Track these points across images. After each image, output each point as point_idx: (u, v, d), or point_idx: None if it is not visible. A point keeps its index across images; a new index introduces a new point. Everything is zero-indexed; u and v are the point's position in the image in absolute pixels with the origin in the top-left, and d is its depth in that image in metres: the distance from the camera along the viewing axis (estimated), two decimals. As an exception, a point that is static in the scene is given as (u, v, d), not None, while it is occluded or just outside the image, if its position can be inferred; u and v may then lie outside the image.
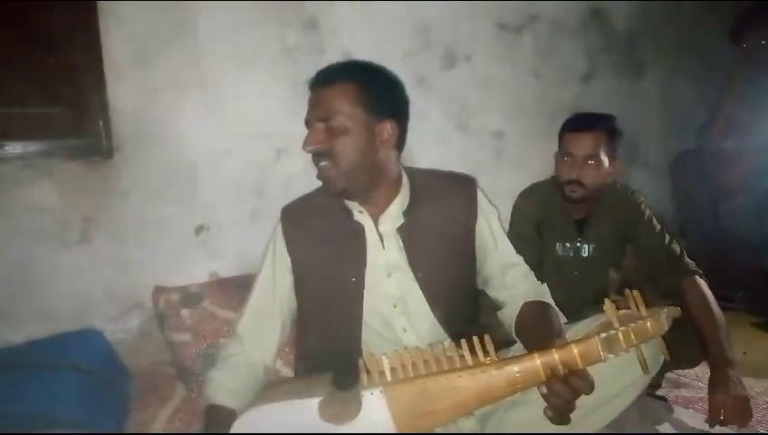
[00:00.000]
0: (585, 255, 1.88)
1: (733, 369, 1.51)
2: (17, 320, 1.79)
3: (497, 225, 1.41)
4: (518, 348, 1.26)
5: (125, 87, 1.89)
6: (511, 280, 1.38)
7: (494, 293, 1.40)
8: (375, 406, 1.02)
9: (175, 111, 1.98)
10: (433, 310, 1.31)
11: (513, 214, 1.97)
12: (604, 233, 1.88)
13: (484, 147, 2.58)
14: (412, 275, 1.31)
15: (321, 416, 1.06)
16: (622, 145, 1.86)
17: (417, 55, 2.36)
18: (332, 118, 1.22)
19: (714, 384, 1.50)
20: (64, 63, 1.81)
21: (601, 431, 1.20)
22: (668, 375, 1.88)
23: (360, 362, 1.05)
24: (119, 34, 1.88)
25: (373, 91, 1.24)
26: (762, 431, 1.65)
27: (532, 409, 1.09)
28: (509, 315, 1.35)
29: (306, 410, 1.07)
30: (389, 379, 1.03)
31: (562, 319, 1.30)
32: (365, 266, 1.30)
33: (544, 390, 1.00)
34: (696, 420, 1.66)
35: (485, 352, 1.03)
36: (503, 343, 1.31)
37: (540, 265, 1.82)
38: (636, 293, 1.05)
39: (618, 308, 1.03)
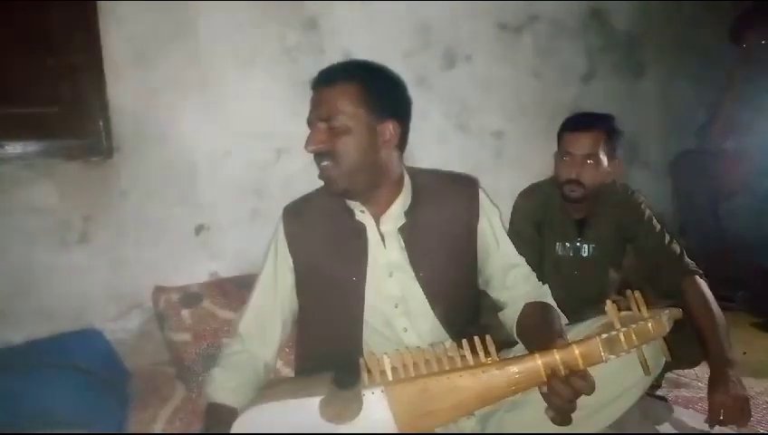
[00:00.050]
0: (585, 255, 1.88)
1: (732, 369, 1.51)
2: (17, 320, 1.79)
3: (499, 225, 1.41)
4: (519, 349, 1.26)
5: (125, 87, 1.89)
6: (512, 281, 1.38)
7: (496, 293, 1.40)
8: (376, 405, 1.02)
9: (175, 111, 1.98)
10: (434, 310, 1.31)
11: (513, 213, 1.97)
12: (604, 233, 1.88)
13: (484, 147, 2.58)
14: (413, 274, 1.31)
15: (322, 415, 1.06)
16: (622, 145, 1.86)
17: (417, 55, 2.36)
18: (334, 118, 1.22)
19: (713, 384, 1.50)
20: (64, 63, 1.81)
21: (601, 431, 1.19)
22: (668, 375, 1.88)
23: (361, 361, 1.05)
24: (119, 34, 1.88)
25: (375, 91, 1.24)
26: (762, 431, 1.65)
27: (533, 409, 1.09)
28: (510, 316, 1.35)
29: (307, 409, 1.07)
30: (390, 378, 1.02)
31: (563, 320, 1.30)
32: (366, 266, 1.30)
33: (545, 389, 1.00)
34: (696, 420, 1.66)
35: (487, 353, 1.03)
36: (504, 344, 1.30)
37: (540, 264, 1.82)
38: (637, 294, 1.05)
39: (619, 309, 1.03)
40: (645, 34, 2.91)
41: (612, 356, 0.97)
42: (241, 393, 1.24)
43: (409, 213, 1.32)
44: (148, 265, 1.95)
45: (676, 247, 1.79)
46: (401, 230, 1.31)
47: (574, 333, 1.16)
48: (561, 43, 2.69)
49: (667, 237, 1.81)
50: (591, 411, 1.11)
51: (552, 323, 1.23)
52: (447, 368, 1.02)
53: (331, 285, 1.32)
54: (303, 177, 1.82)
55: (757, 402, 1.77)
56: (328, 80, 1.26)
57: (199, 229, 2.05)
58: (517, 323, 1.32)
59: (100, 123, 1.86)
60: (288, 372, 1.69)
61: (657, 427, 1.66)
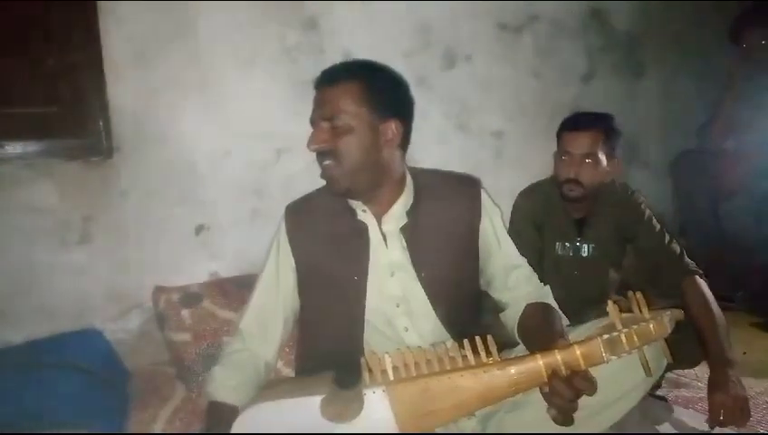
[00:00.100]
0: (585, 254, 1.89)
1: (732, 369, 1.51)
2: (17, 320, 1.79)
3: (501, 226, 1.42)
4: (520, 349, 1.26)
5: (125, 87, 1.89)
6: (514, 281, 1.38)
7: (497, 294, 1.40)
8: (377, 405, 1.02)
9: (175, 111, 1.97)
10: (435, 310, 1.31)
11: (512, 213, 1.97)
12: (604, 233, 1.88)
13: (484, 147, 2.58)
14: (415, 274, 1.31)
15: (323, 414, 1.06)
16: (622, 145, 1.86)
17: (417, 55, 2.36)
18: (337, 117, 1.22)
19: (713, 384, 1.50)
20: (64, 63, 1.81)
21: (601, 432, 1.20)
22: (668, 375, 1.88)
23: (363, 360, 1.05)
24: (119, 34, 1.87)
25: (378, 91, 1.24)
26: (762, 431, 1.65)
27: (534, 410, 1.09)
28: (511, 317, 1.35)
29: (308, 408, 1.07)
30: (392, 378, 1.02)
31: (564, 321, 1.30)
32: (368, 266, 1.30)
33: (546, 390, 1.00)
34: (696, 420, 1.67)
35: (488, 353, 1.03)
36: (505, 345, 1.30)
37: (540, 264, 1.82)
38: (639, 295, 1.04)
39: (620, 310, 1.03)
40: (645, 34, 2.91)
41: (614, 357, 0.97)
42: (242, 392, 1.24)
43: (411, 213, 1.32)
44: (149, 265, 1.95)
45: (676, 247, 1.79)
46: (403, 230, 1.31)
47: (576, 334, 1.16)
48: (561, 43, 2.69)
49: (667, 237, 1.81)
50: (593, 412, 1.11)
51: (554, 324, 1.23)
52: (449, 368, 1.02)
53: (333, 285, 1.32)
54: (304, 177, 1.82)
55: (757, 402, 1.77)
56: (331, 79, 1.26)
57: (199, 229, 2.05)
58: (518, 323, 1.32)
59: (100, 123, 1.86)
60: (288, 371, 1.69)
61: (657, 427, 1.66)
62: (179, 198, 2.00)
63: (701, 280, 1.72)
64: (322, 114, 1.24)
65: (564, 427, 1.01)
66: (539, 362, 0.98)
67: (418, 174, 1.39)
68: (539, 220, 1.90)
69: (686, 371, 1.92)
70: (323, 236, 1.34)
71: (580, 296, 1.73)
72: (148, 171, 1.95)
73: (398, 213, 1.32)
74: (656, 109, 2.99)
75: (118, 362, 1.82)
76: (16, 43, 1.75)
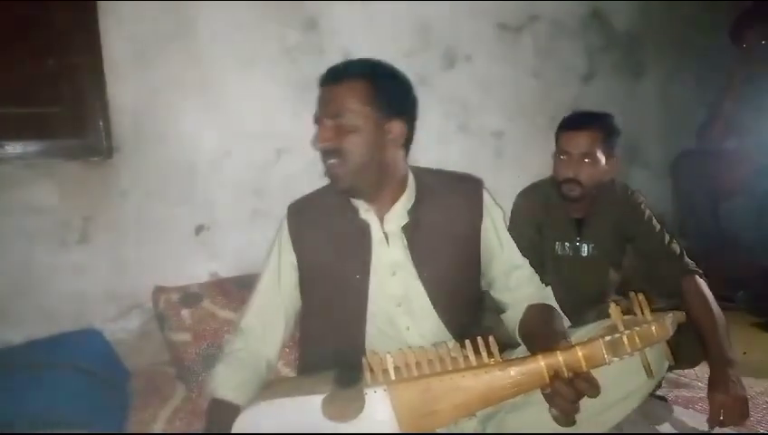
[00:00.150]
0: (584, 254, 1.88)
1: (732, 369, 1.52)
2: (17, 320, 1.78)
3: (503, 226, 1.42)
4: (522, 350, 1.26)
5: (125, 87, 1.89)
6: (515, 282, 1.38)
7: (499, 295, 1.40)
8: (378, 404, 1.02)
9: (175, 111, 1.97)
10: (436, 309, 1.31)
11: (512, 213, 1.96)
12: (603, 232, 1.87)
13: (484, 147, 2.57)
14: (416, 274, 1.31)
15: (324, 413, 1.06)
16: (622, 145, 1.86)
17: (417, 55, 2.36)
18: (342, 115, 1.22)
19: (713, 384, 1.51)
20: (64, 63, 1.80)
21: (601, 431, 1.20)
22: (668, 375, 1.88)
23: (364, 360, 1.05)
24: (119, 34, 1.87)
25: (383, 90, 1.25)
26: (762, 431, 1.65)
27: (535, 411, 1.09)
28: (513, 318, 1.35)
29: (309, 407, 1.07)
30: (393, 377, 1.02)
31: (566, 323, 1.30)
32: (370, 265, 1.30)
33: (548, 391, 0.99)
34: (696, 420, 1.66)
35: (489, 353, 1.03)
36: (506, 345, 1.30)
37: (540, 264, 1.82)
38: (641, 296, 1.04)
39: (621, 311, 1.03)
40: (645, 34, 2.91)
41: (615, 358, 0.97)
42: (243, 390, 1.23)
43: (413, 212, 1.32)
44: (148, 265, 1.95)
45: (676, 247, 1.79)
46: (405, 229, 1.31)
47: (578, 336, 1.16)
48: (561, 43, 2.69)
49: (667, 237, 1.81)
50: (594, 413, 1.11)
51: (555, 325, 1.23)
52: (450, 368, 1.02)
53: (335, 284, 1.32)
54: (304, 177, 1.82)
55: (757, 402, 1.77)
56: (336, 77, 1.26)
57: (199, 229, 2.05)
58: (520, 324, 1.32)
59: (100, 123, 1.86)
60: (288, 371, 1.69)
61: (657, 427, 1.65)
62: (179, 198, 2.00)
63: (701, 280, 1.72)
64: (327, 112, 1.24)
65: (566, 428, 1.01)
66: (540, 363, 0.98)
67: (421, 173, 1.39)
68: (539, 220, 1.90)
69: (686, 371, 1.92)
70: (325, 235, 1.34)
71: (580, 296, 1.74)
72: (148, 171, 1.95)
73: (400, 212, 1.32)
74: (656, 109, 2.98)
75: (118, 362, 1.82)
76: (16, 43, 1.75)
